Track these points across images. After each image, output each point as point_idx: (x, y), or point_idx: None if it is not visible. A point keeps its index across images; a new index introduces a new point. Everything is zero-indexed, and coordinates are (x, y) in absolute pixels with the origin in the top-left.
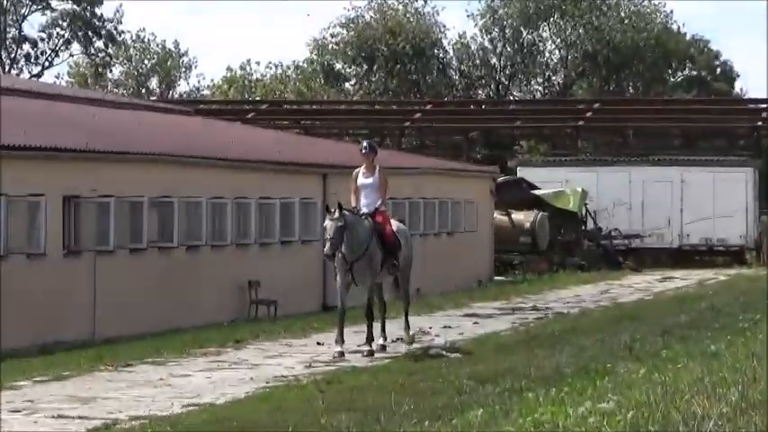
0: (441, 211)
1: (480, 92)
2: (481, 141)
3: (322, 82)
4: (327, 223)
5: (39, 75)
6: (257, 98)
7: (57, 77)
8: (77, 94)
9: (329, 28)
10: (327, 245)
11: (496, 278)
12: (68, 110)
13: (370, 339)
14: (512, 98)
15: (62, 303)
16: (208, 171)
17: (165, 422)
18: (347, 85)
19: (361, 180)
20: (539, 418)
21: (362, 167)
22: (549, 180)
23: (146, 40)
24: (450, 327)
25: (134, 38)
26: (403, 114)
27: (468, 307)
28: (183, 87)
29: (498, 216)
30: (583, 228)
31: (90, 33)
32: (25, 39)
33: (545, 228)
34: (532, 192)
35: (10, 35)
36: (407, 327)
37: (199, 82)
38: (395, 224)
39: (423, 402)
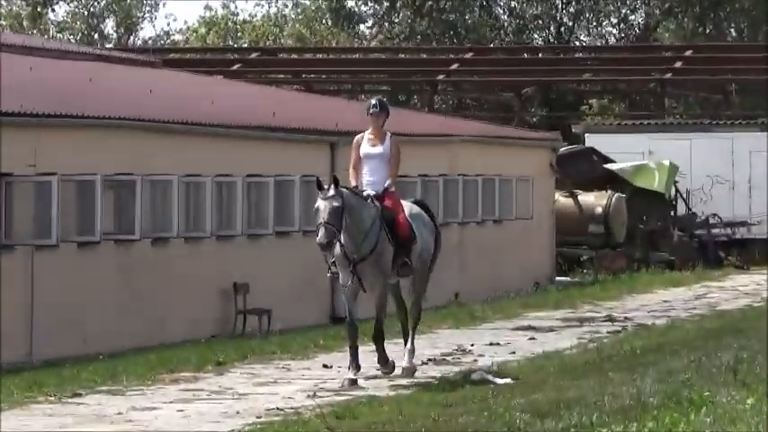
0: (485, 193)
1: (537, 36)
2: (538, 100)
3: (329, 24)
4: (320, 204)
5: None
6: (245, 45)
7: None
8: (9, 41)
9: None
10: (321, 231)
11: (559, 279)
12: None
13: (383, 361)
14: (577, 44)
15: None
16: (180, 140)
17: None
18: (362, 27)
19: (366, 149)
20: None
21: (368, 133)
22: (627, 151)
23: None
24: (498, 344)
25: None
26: (435, 65)
27: (521, 318)
28: (147, 32)
29: (561, 198)
30: (672, 213)
31: None
32: None
33: (622, 213)
34: (605, 166)
35: None
36: (411, 350)
37: (168, 25)
38: (406, 206)
39: None
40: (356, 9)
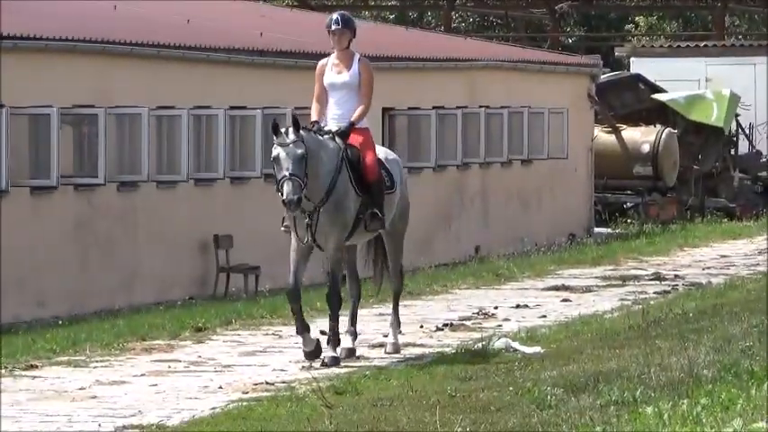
0: (512, 127)
1: None
2: (574, 17)
3: None
4: (280, 152)
5: None
6: None
7: None
8: None
9: None
10: (287, 186)
11: (598, 230)
12: None
13: (335, 341)
14: None
15: None
16: (150, 65)
17: None
18: None
19: (331, 78)
20: None
21: (332, 58)
22: (679, 78)
23: None
24: (526, 306)
25: None
26: None
27: (554, 276)
28: None
29: (601, 134)
30: (732, 152)
31: None
32: None
33: (673, 152)
34: (654, 96)
35: None
36: (396, 322)
37: None
38: (381, 151)
39: (484, 422)
40: None
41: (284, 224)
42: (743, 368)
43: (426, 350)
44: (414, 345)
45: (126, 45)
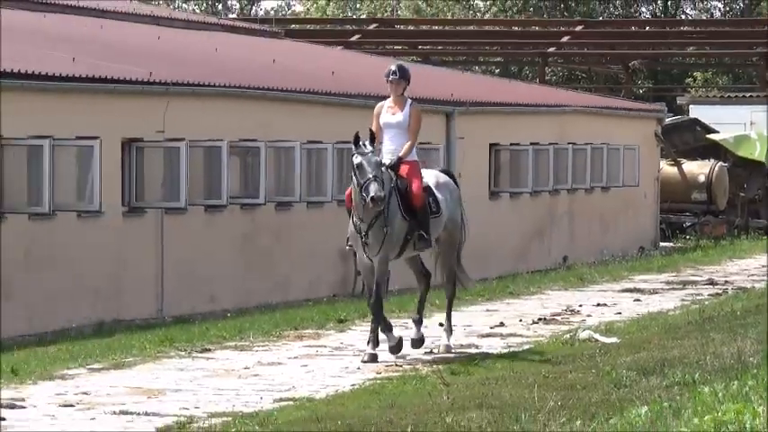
0: (593, 161)
1: (644, 10)
2: (645, 72)
3: None
4: (359, 160)
5: None
6: (363, 17)
7: None
8: (138, 11)
9: None
10: (373, 186)
11: (663, 244)
12: (127, 31)
13: (375, 341)
14: (683, 18)
15: (122, 273)
16: (302, 108)
17: (253, 420)
18: (477, 1)
19: (386, 118)
20: (720, 417)
21: (388, 101)
22: (729, 122)
23: None
24: (605, 305)
25: None
26: (547, 38)
27: (627, 280)
28: (269, 3)
29: (665, 167)
30: None
31: None
32: None
33: (724, 182)
34: (708, 136)
35: None
36: (449, 327)
37: None
38: (431, 176)
39: (572, 398)
40: None
41: (348, 244)
42: None
43: (524, 339)
44: (514, 335)
45: (282, 91)
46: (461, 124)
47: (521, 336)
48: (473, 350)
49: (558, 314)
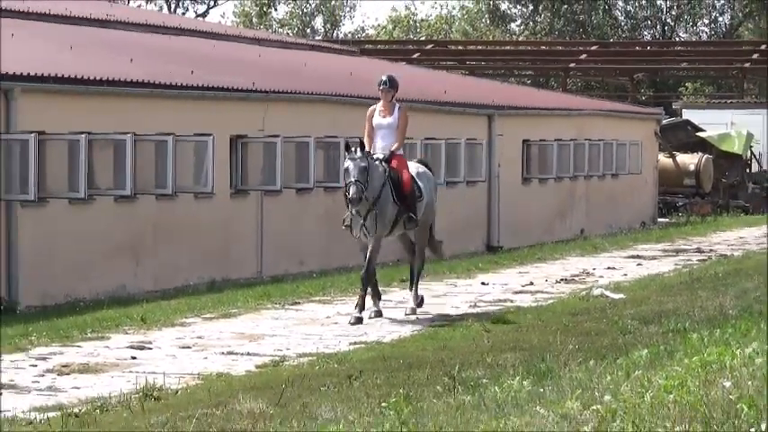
0: (605, 153)
1: (646, 33)
2: (646, 83)
3: (487, 22)
4: (348, 164)
5: (204, 14)
6: (422, 38)
7: (222, 17)
8: (243, 34)
9: None
10: (352, 188)
11: (660, 220)
12: (234, 50)
13: (361, 305)
14: (677, 40)
15: (229, 242)
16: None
17: (333, 359)
18: (513, 25)
19: (378, 120)
20: (705, 358)
21: (379, 105)
22: (714, 122)
23: None
24: (614, 268)
25: None
26: (568, 55)
27: (631, 248)
28: (347, 27)
29: (662, 158)
30: (747, 170)
31: None
32: None
33: (709, 170)
34: (697, 134)
35: None
36: (416, 290)
37: (363, 22)
38: (413, 167)
39: (587, 342)
40: (508, 11)
41: (345, 224)
42: (755, 309)
43: (549, 295)
44: (541, 292)
45: (357, 97)
46: (500, 124)
47: (546, 293)
48: (508, 304)
49: (577, 275)
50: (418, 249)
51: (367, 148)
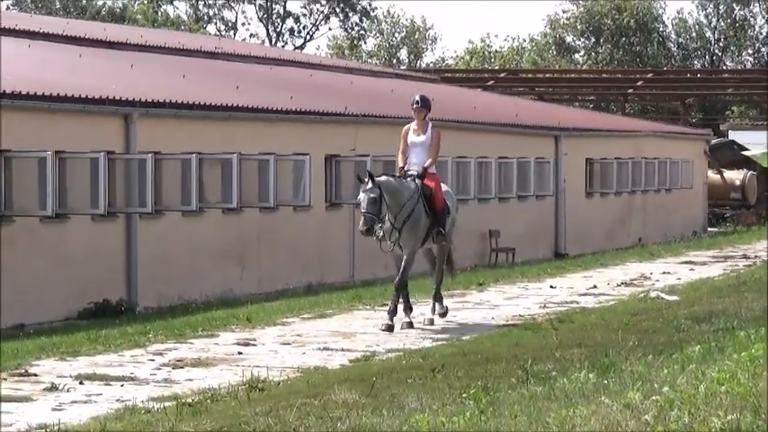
0: (660, 170)
1: (696, 62)
2: (696, 107)
3: (554, 53)
4: (361, 196)
5: (301, 47)
6: (496, 67)
7: (317, 49)
8: (336, 64)
9: (561, 4)
10: (361, 220)
11: (709, 229)
12: (328, 78)
13: (393, 312)
14: (724, 68)
15: (325, 250)
16: (453, 133)
17: (418, 354)
18: (577, 56)
19: (412, 138)
20: (752, 353)
21: (413, 124)
22: (757, 142)
23: (395, 15)
24: (668, 272)
25: (385, 14)
26: (626, 82)
27: (684, 255)
28: (429, 58)
29: (711, 174)
30: None
31: (346, 9)
32: (289, 14)
33: (754, 185)
34: (742, 153)
35: (275, 11)
36: (439, 298)
37: (443, 53)
38: (444, 187)
39: (645, 339)
40: (573, 43)
41: (376, 237)
42: None
43: (611, 297)
44: (604, 294)
45: (439, 120)
46: (566, 144)
47: (608, 295)
48: (574, 305)
49: (635, 279)
50: (439, 259)
51: (401, 165)
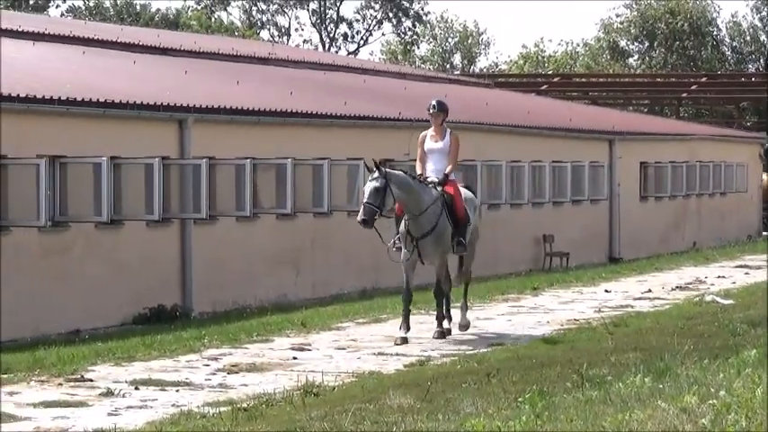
0: (714, 174)
1: (750, 66)
2: (751, 110)
3: (608, 57)
4: (366, 185)
5: (355, 52)
6: (550, 72)
7: (370, 54)
8: (389, 69)
9: (615, 8)
10: (362, 210)
11: (764, 233)
12: (382, 83)
13: (441, 318)
14: None
15: (379, 255)
16: (507, 137)
17: (473, 359)
18: (630, 60)
19: (429, 144)
20: None
21: (430, 130)
22: None
23: (449, 20)
24: (723, 276)
25: (438, 18)
26: (680, 86)
27: (739, 259)
28: (482, 63)
29: (766, 178)
30: None
31: (400, 14)
32: (342, 19)
33: None
34: None
35: (329, 16)
36: (465, 307)
37: (497, 58)
38: (462, 192)
39: (701, 343)
40: (626, 47)
41: (396, 245)
42: None
43: (666, 301)
44: (659, 298)
45: (492, 125)
46: (620, 148)
47: (663, 299)
48: (629, 309)
49: (690, 283)
50: (465, 267)
51: (419, 172)
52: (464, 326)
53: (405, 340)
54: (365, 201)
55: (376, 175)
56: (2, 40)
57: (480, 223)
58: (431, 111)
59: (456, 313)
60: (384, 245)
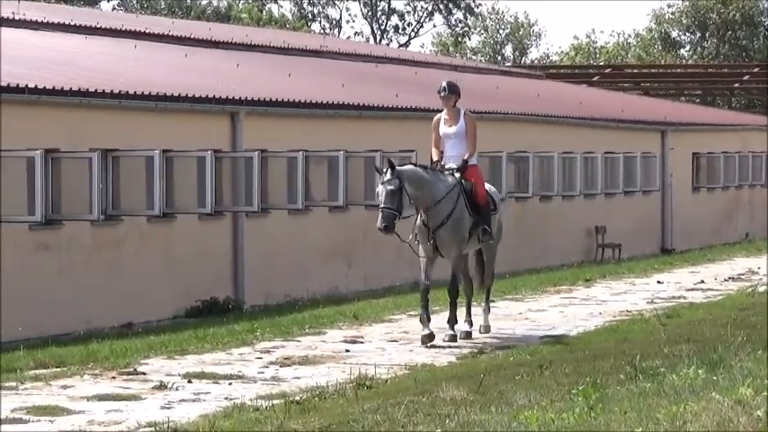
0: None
1: None
2: None
3: (660, 48)
4: (379, 189)
5: (406, 44)
6: (601, 63)
7: (421, 46)
8: (441, 61)
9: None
10: (379, 216)
11: None
12: (433, 75)
13: (452, 321)
14: None
15: None
16: (559, 129)
17: (525, 351)
18: (682, 51)
19: (444, 129)
20: None
21: (443, 114)
22: None
23: (500, 12)
24: None
25: (490, 10)
26: (732, 77)
27: None
28: (534, 54)
29: None
30: None
31: (450, 6)
32: (393, 11)
33: None
34: None
35: (380, 8)
36: (488, 309)
37: (548, 49)
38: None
39: (754, 334)
40: (678, 38)
41: (417, 239)
42: None
43: (718, 292)
44: (711, 289)
45: (544, 116)
46: (672, 139)
47: (716, 290)
48: (682, 300)
49: (743, 274)
50: (488, 266)
51: (436, 159)
52: (486, 328)
53: (431, 337)
54: (382, 205)
55: (389, 176)
56: (54, 34)
57: (504, 220)
58: (441, 93)
59: (477, 311)
60: (404, 243)
